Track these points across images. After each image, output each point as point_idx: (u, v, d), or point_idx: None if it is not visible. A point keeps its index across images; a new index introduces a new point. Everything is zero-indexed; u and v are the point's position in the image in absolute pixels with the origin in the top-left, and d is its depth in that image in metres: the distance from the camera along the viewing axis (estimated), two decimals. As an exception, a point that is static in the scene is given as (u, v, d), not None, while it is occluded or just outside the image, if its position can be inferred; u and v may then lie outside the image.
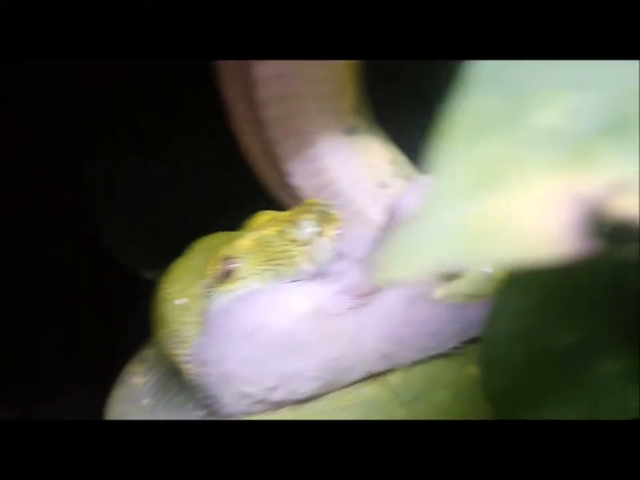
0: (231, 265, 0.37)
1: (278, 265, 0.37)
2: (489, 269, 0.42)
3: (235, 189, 0.56)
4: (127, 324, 0.50)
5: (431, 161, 0.13)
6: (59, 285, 0.58)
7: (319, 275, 0.37)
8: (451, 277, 0.42)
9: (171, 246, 0.56)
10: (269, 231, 0.38)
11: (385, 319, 0.37)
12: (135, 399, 0.44)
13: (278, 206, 0.48)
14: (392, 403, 0.36)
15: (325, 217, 0.37)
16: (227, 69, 0.44)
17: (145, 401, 0.44)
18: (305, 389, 0.36)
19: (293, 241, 0.37)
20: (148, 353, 0.45)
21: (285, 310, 0.36)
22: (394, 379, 0.36)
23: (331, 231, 0.37)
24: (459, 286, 0.41)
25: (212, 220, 0.55)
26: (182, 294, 0.39)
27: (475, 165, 0.13)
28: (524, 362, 0.28)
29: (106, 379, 0.46)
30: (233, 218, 0.55)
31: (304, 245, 0.37)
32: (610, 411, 0.27)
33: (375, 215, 0.46)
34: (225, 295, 0.37)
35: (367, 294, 0.37)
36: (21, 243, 0.56)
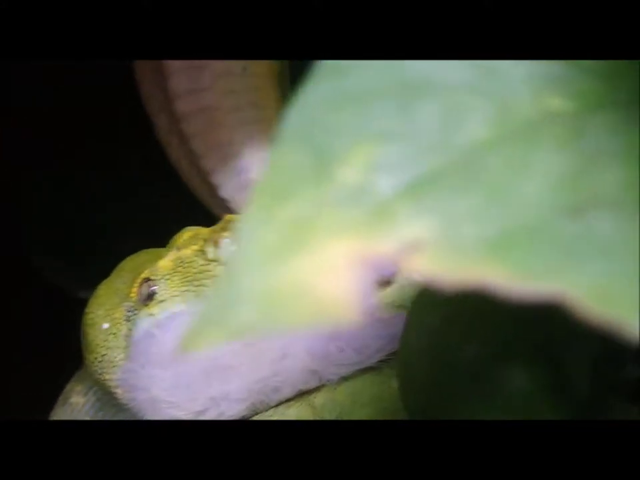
0: (151, 288, 0.37)
1: (199, 285, 0.36)
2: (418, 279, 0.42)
3: (172, 202, 0.55)
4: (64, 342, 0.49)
5: (240, 221, 0.13)
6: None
7: None
8: (380, 286, 0.42)
9: (105, 264, 0.55)
10: (189, 250, 0.37)
11: (311, 335, 0.37)
12: (76, 418, 0.43)
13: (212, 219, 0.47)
14: None
15: None
16: (146, 83, 0.43)
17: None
18: (233, 411, 0.36)
19: (213, 260, 0.36)
20: (86, 372, 0.45)
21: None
22: (318, 398, 0.36)
23: None
24: (387, 296, 0.41)
25: (148, 236, 0.54)
26: (106, 318, 0.38)
27: (279, 227, 0.12)
28: (435, 376, 0.28)
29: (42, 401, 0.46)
30: (171, 233, 0.54)
31: (224, 264, 0.36)
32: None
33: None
34: (147, 319, 0.37)
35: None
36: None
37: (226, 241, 0.36)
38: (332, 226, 0.12)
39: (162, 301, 0.36)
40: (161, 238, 0.54)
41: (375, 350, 0.36)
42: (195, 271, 0.36)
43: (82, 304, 0.52)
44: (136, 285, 0.37)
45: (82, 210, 0.55)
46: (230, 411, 0.36)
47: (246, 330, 0.12)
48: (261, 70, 0.42)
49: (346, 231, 0.12)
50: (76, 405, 0.45)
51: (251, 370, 0.35)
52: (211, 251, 0.36)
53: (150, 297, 0.37)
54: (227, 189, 0.45)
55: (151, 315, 0.37)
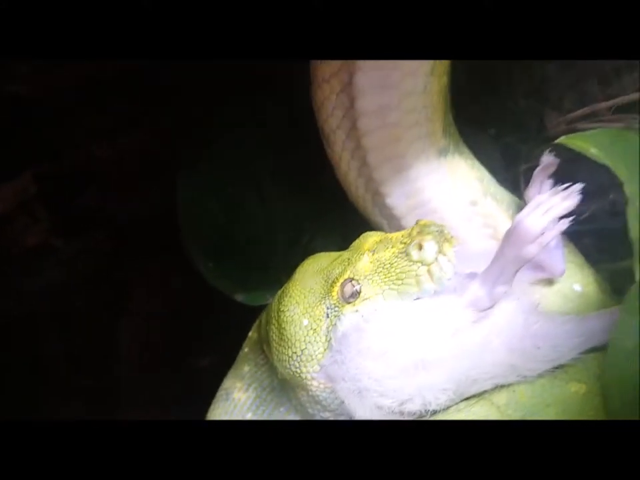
0: (355, 287, 0.39)
1: (402, 285, 0.39)
2: (579, 287, 0.45)
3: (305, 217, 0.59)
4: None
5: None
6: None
7: (438, 292, 0.39)
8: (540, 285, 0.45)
9: (257, 269, 0.59)
10: (388, 253, 0.40)
11: (506, 330, 0.38)
12: (239, 413, 0.46)
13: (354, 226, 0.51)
14: None
15: (443, 237, 0.39)
16: (328, 103, 0.46)
17: (249, 415, 0.46)
18: (438, 400, 0.38)
19: (417, 261, 0.38)
20: (244, 370, 0.47)
21: (416, 328, 0.38)
22: (498, 399, 0.38)
23: (449, 250, 0.38)
24: (548, 302, 0.44)
25: (289, 245, 0.58)
26: (305, 315, 0.40)
27: None
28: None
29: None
30: (307, 246, 0.58)
31: (427, 264, 0.38)
32: None
33: (467, 232, 0.49)
34: (351, 315, 0.39)
35: (487, 307, 0.39)
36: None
37: (430, 244, 0.39)
38: None
39: (366, 299, 0.39)
40: (303, 246, 0.59)
41: (570, 348, 0.38)
42: (397, 271, 0.39)
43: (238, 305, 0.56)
44: (336, 284, 0.40)
45: (237, 222, 0.59)
46: (434, 400, 0.38)
47: None
48: (436, 87, 0.45)
49: None
50: (238, 401, 0.47)
51: (454, 362, 0.38)
52: (415, 253, 0.39)
53: (354, 295, 0.39)
54: (394, 197, 0.48)
55: (356, 311, 0.39)
